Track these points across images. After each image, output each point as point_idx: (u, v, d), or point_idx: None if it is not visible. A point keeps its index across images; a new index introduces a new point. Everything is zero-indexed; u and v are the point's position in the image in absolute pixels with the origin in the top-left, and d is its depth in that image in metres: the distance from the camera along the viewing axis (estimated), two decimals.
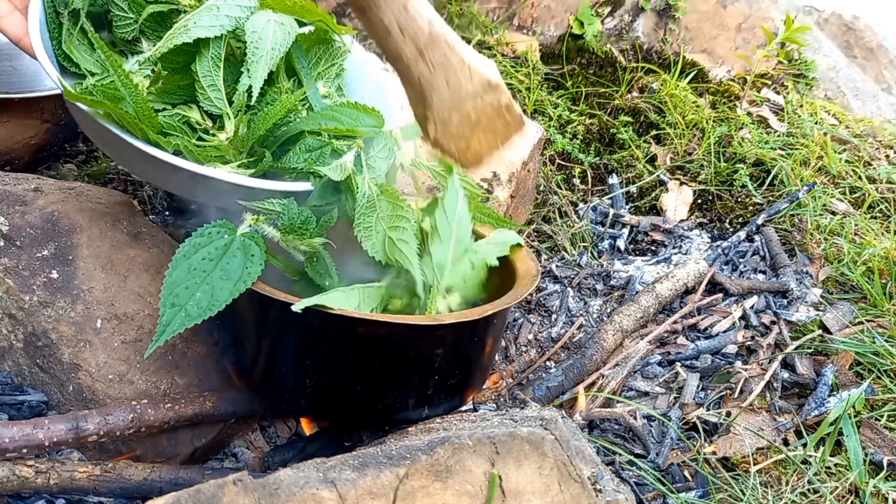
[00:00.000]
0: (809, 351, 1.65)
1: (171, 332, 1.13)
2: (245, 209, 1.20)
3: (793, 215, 2.05)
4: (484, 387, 1.51)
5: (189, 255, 1.17)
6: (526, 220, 2.07)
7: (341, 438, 1.37)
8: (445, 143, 1.08)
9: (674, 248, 2.05)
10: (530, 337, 1.77)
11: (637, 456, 1.44)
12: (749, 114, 2.39)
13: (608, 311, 1.85)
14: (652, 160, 2.27)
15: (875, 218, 2.06)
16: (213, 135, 1.25)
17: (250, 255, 1.17)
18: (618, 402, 1.56)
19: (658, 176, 2.22)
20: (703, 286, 1.85)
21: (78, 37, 1.28)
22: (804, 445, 1.42)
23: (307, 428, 1.45)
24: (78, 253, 1.33)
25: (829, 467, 1.37)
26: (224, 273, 1.15)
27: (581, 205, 2.17)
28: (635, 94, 2.44)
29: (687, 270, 1.87)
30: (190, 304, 1.14)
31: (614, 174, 2.24)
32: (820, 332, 1.68)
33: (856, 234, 1.98)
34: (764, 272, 1.94)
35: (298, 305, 1.10)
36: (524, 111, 2.26)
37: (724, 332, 1.75)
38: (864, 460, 1.37)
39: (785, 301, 1.82)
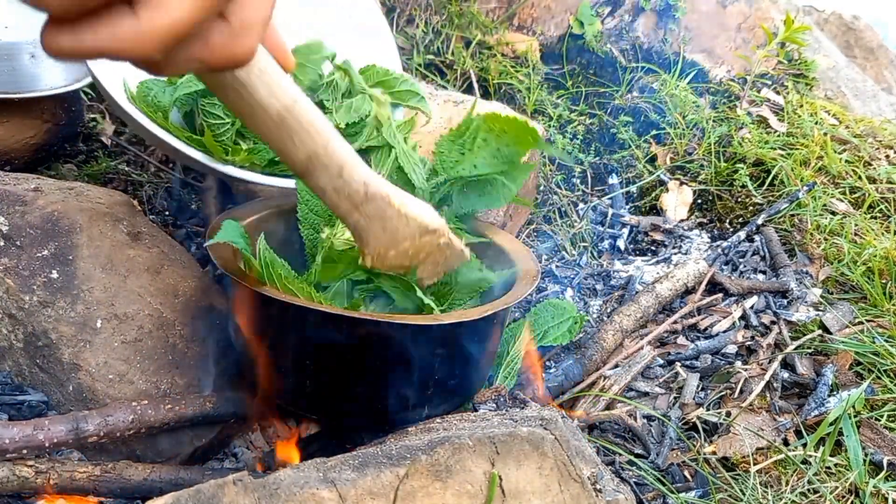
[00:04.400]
0: (809, 351, 1.65)
1: None
2: None
3: (793, 215, 2.05)
4: (483, 387, 1.50)
5: None
6: (526, 220, 2.07)
7: (341, 439, 1.37)
8: (382, 267, 1.17)
9: (674, 248, 2.05)
10: None
11: (637, 456, 1.44)
12: (749, 114, 2.39)
13: (608, 311, 1.84)
14: (652, 160, 2.27)
15: (875, 218, 2.06)
16: None
17: None
18: (618, 402, 1.56)
19: (658, 176, 2.22)
20: (703, 286, 1.85)
21: None
22: (804, 445, 1.42)
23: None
24: (78, 253, 1.33)
25: (829, 467, 1.37)
26: None
27: (581, 205, 2.17)
28: (635, 94, 2.44)
29: (687, 270, 1.87)
30: None
31: (614, 174, 2.23)
32: (820, 332, 1.68)
33: (856, 234, 1.98)
34: (764, 272, 1.94)
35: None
36: (524, 111, 2.26)
37: (724, 332, 1.75)
38: (864, 460, 1.37)
39: (785, 301, 1.82)
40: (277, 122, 0.84)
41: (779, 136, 2.31)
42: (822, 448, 1.40)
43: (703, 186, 2.19)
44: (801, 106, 2.46)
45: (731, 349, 1.69)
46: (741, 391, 1.55)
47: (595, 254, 2.05)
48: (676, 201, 2.17)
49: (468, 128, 1.38)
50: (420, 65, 2.31)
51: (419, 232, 1.13)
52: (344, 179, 0.98)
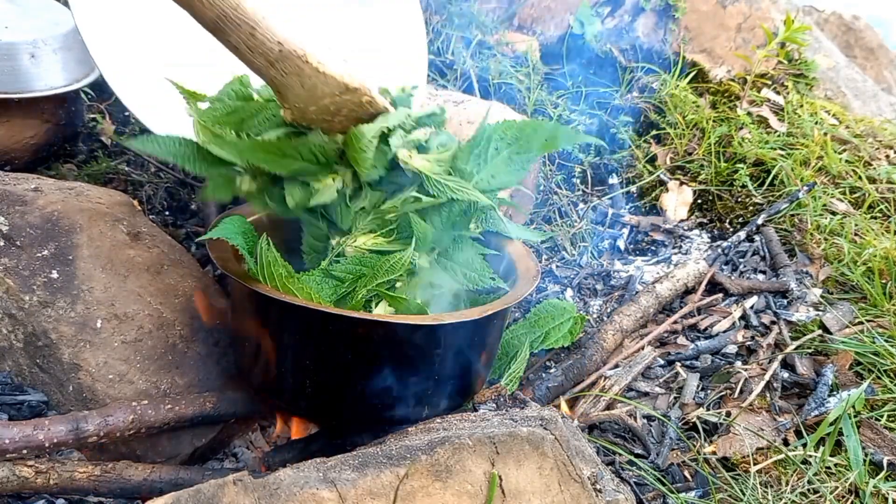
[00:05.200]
0: (809, 351, 1.65)
1: None
2: None
3: (793, 215, 2.05)
4: (483, 386, 1.51)
5: None
6: (526, 220, 2.07)
7: (341, 438, 1.37)
8: (304, 122, 1.23)
9: (674, 248, 2.05)
10: None
11: (637, 456, 1.44)
12: (749, 114, 2.39)
13: (608, 311, 1.84)
14: (652, 160, 2.27)
15: (875, 218, 2.06)
16: None
17: None
18: (618, 402, 1.56)
19: (658, 176, 2.22)
20: (703, 286, 1.85)
21: None
22: (804, 445, 1.42)
23: (297, 430, 1.45)
24: (78, 253, 1.33)
25: (829, 467, 1.37)
26: None
27: (581, 205, 2.17)
28: (635, 93, 2.44)
29: (687, 270, 1.87)
30: None
31: (614, 174, 2.24)
32: (820, 332, 1.68)
33: (856, 234, 1.98)
34: (764, 272, 1.94)
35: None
36: (524, 111, 2.26)
37: (724, 332, 1.75)
38: (864, 460, 1.37)
39: (785, 301, 1.82)
40: None
41: (779, 136, 2.31)
42: (822, 448, 1.40)
43: (703, 186, 2.19)
44: (801, 106, 2.46)
45: (731, 349, 1.69)
46: (741, 391, 1.55)
47: (595, 254, 2.05)
48: (676, 201, 2.17)
49: (483, 137, 1.37)
50: None
51: (338, 89, 1.18)
52: (257, 39, 1.06)
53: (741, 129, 2.33)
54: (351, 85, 1.19)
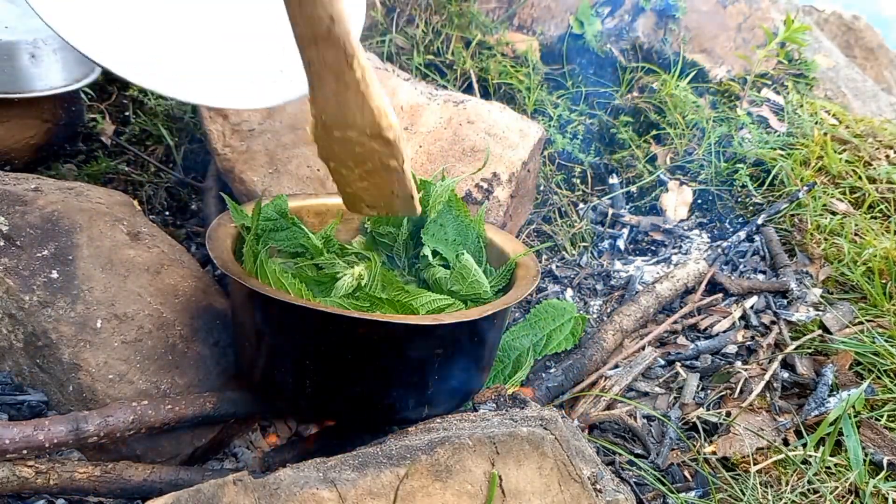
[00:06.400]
0: (809, 351, 1.65)
1: None
2: None
3: (793, 215, 2.05)
4: (483, 386, 1.51)
5: None
6: (526, 220, 2.07)
7: (341, 438, 1.37)
8: (323, 151, 1.05)
9: (674, 248, 2.05)
10: None
11: (637, 456, 1.44)
12: (749, 114, 2.39)
13: (608, 311, 1.85)
14: (652, 160, 2.27)
15: (875, 218, 2.06)
16: None
17: None
18: (618, 402, 1.56)
19: (658, 176, 2.22)
20: (703, 286, 1.85)
21: None
22: (804, 445, 1.42)
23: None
24: (78, 253, 1.33)
25: (829, 467, 1.37)
26: None
27: (581, 205, 2.17)
28: (635, 94, 2.44)
29: (687, 270, 1.87)
30: None
31: (614, 174, 2.23)
32: (820, 332, 1.68)
33: (856, 234, 1.98)
34: (764, 272, 1.94)
35: None
36: (524, 111, 2.26)
37: (724, 332, 1.75)
38: (864, 460, 1.37)
39: (785, 301, 1.82)
40: None
41: (779, 136, 2.31)
42: (822, 448, 1.40)
43: (703, 186, 2.19)
44: (801, 106, 2.46)
45: (731, 349, 1.69)
46: (741, 391, 1.55)
47: (595, 254, 2.05)
48: (676, 201, 2.17)
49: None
50: (420, 65, 2.31)
51: (370, 127, 0.99)
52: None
53: (741, 129, 2.33)
54: (385, 130, 0.99)
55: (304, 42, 0.94)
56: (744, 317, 1.79)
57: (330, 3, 0.89)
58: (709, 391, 1.59)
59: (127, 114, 2.24)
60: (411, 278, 1.47)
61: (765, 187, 2.15)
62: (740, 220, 2.10)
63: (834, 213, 2.05)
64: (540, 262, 1.98)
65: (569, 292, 1.90)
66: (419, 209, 1.14)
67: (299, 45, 0.96)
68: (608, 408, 1.55)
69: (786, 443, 1.46)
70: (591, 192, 2.21)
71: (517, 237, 1.94)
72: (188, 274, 1.44)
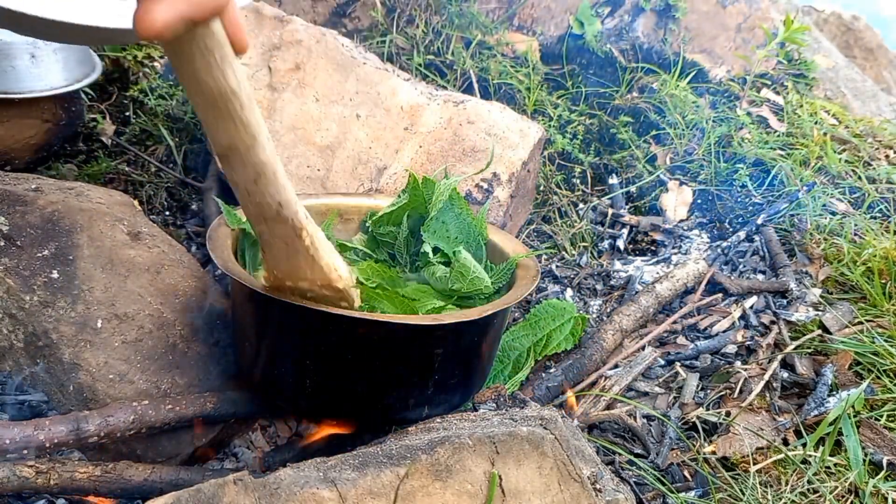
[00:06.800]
0: (809, 351, 1.65)
1: None
2: None
3: (793, 215, 2.05)
4: (483, 386, 1.51)
5: None
6: (526, 219, 2.08)
7: (341, 438, 1.37)
8: (277, 291, 1.15)
9: (674, 248, 2.05)
10: None
11: (637, 456, 1.44)
12: (749, 114, 2.39)
13: (608, 311, 1.85)
14: (652, 160, 2.27)
15: (875, 218, 2.06)
16: None
17: None
18: (618, 402, 1.56)
19: (658, 176, 2.22)
20: (702, 286, 1.85)
21: None
22: (804, 445, 1.42)
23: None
24: (78, 253, 1.33)
25: (828, 467, 1.37)
26: None
27: (581, 205, 2.17)
28: (635, 94, 2.44)
29: (687, 270, 1.87)
30: None
31: (614, 174, 2.24)
32: (820, 332, 1.68)
33: (856, 234, 1.98)
34: (764, 272, 1.94)
35: None
36: (524, 111, 2.26)
37: (724, 332, 1.75)
38: (864, 460, 1.37)
39: (785, 301, 1.82)
40: (210, 102, 0.85)
41: (779, 136, 2.31)
42: (821, 448, 1.40)
43: (703, 186, 2.19)
44: (801, 106, 2.46)
45: (731, 349, 1.69)
46: (741, 391, 1.55)
47: (595, 254, 2.05)
48: (676, 201, 2.17)
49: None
50: (420, 65, 2.31)
51: (321, 279, 1.10)
52: (258, 188, 0.96)
53: (741, 129, 2.33)
54: (335, 282, 1.11)
55: (254, 220, 1.03)
56: (743, 317, 1.79)
57: (277, 192, 0.97)
58: (708, 391, 1.59)
59: (127, 114, 2.24)
60: (412, 276, 1.47)
61: (765, 187, 2.15)
62: (740, 220, 2.10)
63: (833, 213, 2.05)
64: (540, 262, 1.98)
65: (569, 292, 1.90)
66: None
67: (248, 220, 1.05)
68: (608, 408, 1.55)
69: (785, 443, 1.46)
70: (591, 192, 2.21)
71: (517, 237, 1.94)
72: (188, 274, 1.44)
